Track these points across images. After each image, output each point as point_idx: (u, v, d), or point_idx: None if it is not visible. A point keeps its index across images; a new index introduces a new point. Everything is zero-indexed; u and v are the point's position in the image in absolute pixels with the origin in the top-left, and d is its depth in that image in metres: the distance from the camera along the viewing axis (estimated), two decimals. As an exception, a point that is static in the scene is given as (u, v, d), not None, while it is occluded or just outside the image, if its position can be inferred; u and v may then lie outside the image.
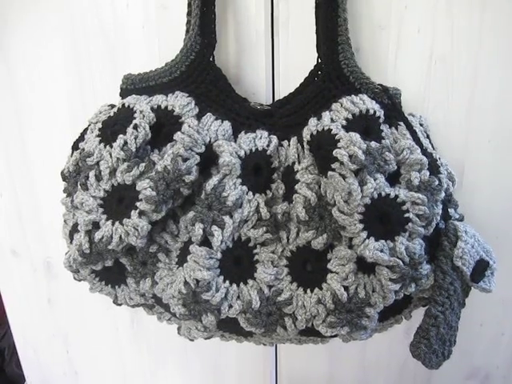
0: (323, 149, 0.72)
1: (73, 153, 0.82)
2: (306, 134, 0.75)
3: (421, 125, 0.82)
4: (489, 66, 0.86)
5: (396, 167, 0.74)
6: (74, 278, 0.84)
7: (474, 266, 0.74)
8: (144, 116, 0.75)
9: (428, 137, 0.82)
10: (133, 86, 0.82)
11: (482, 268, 0.75)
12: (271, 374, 1.21)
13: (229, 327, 0.78)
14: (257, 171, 0.76)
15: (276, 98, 0.91)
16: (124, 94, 0.82)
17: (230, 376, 1.25)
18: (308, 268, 0.75)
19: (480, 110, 0.89)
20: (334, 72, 0.78)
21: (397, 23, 0.85)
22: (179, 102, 0.77)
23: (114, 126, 0.77)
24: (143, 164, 0.75)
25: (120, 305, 0.85)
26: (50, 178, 1.07)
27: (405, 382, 1.19)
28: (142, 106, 0.77)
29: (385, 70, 0.87)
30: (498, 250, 0.78)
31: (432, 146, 0.80)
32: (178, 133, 0.74)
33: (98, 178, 0.77)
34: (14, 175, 1.11)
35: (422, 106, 0.89)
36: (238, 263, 0.75)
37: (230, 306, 0.74)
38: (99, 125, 0.80)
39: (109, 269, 0.80)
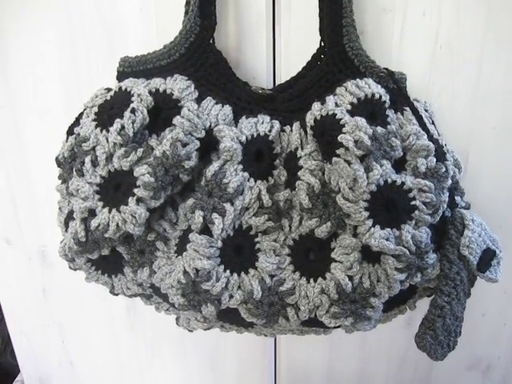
0: (327, 134, 0.70)
1: (68, 138, 0.80)
2: (310, 118, 0.73)
3: (426, 110, 0.80)
4: (495, 52, 0.85)
5: (402, 153, 0.72)
6: (70, 267, 0.83)
7: (480, 256, 0.73)
8: (142, 100, 0.73)
9: (433, 123, 0.80)
10: (130, 68, 0.79)
11: (488, 257, 0.74)
12: (270, 363, 1.21)
13: (229, 318, 0.77)
14: (258, 157, 0.74)
15: (277, 83, 0.89)
16: (121, 77, 0.80)
17: (228, 366, 1.24)
18: (311, 257, 0.74)
19: (485, 96, 0.88)
20: (338, 55, 0.76)
21: (402, 6, 0.83)
22: (178, 85, 0.75)
23: (110, 109, 0.75)
24: (141, 149, 0.72)
25: (117, 295, 0.83)
26: (44, 164, 1.05)
27: (406, 373, 1.18)
28: (140, 89, 0.74)
29: (389, 54, 0.86)
30: (501, 239, 0.77)
31: (437, 133, 0.79)
32: (178, 117, 0.71)
33: (94, 163, 0.75)
34: (8, 162, 1.10)
35: (427, 91, 0.88)
36: (239, 252, 0.73)
37: (231, 296, 0.72)
38: (95, 109, 0.77)
39: (105, 258, 0.78)
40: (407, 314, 0.86)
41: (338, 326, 0.74)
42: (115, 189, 0.73)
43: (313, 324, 0.75)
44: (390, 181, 0.69)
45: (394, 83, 0.76)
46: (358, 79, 0.74)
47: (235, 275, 0.73)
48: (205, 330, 0.84)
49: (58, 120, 1.00)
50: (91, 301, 1.21)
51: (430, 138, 0.74)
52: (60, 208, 0.81)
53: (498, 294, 1.07)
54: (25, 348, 1.35)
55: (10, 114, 1.04)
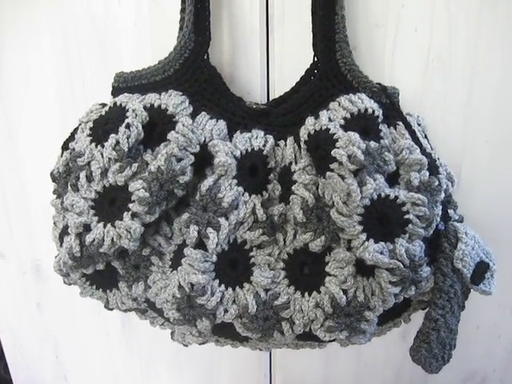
0: (321, 148, 0.71)
1: (63, 153, 0.80)
2: (304, 133, 0.73)
3: (418, 125, 0.81)
4: (486, 66, 0.86)
5: (395, 168, 0.73)
6: (64, 282, 0.82)
7: (474, 268, 0.73)
8: (136, 115, 0.73)
9: (426, 137, 0.81)
10: (125, 84, 0.80)
11: (482, 270, 0.74)
12: (266, 378, 1.20)
13: (224, 332, 0.77)
14: (253, 172, 0.74)
15: (271, 98, 0.90)
16: (116, 92, 0.80)
17: (224, 381, 1.23)
18: (306, 271, 0.74)
19: (477, 109, 0.89)
20: (332, 70, 0.77)
21: (394, 22, 0.84)
22: (173, 100, 0.75)
23: (105, 125, 0.75)
24: (136, 164, 0.73)
25: (112, 309, 0.82)
26: (39, 178, 1.05)
27: (401, 386, 1.18)
28: (135, 104, 0.75)
29: (382, 69, 0.86)
30: (494, 252, 0.77)
31: (430, 147, 0.79)
32: (172, 132, 0.72)
33: (89, 178, 0.75)
34: (3, 176, 1.10)
35: (420, 105, 0.88)
36: (233, 266, 0.73)
37: (226, 311, 0.72)
38: (90, 124, 0.78)
39: (100, 272, 0.78)
40: (402, 327, 0.86)
41: (333, 340, 0.74)
42: (110, 204, 0.73)
43: (308, 338, 0.75)
44: (383, 195, 0.70)
45: (387, 98, 0.77)
46: (351, 94, 0.74)
47: (230, 289, 0.73)
48: (200, 344, 0.84)
49: (52, 135, 1.00)
50: (86, 315, 1.20)
51: (423, 152, 0.74)
52: (55, 223, 0.81)
53: (492, 307, 1.06)
54: (18, 362, 1.35)
55: (4, 128, 1.04)
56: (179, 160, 0.71)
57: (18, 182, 1.09)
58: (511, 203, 0.96)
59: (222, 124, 0.76)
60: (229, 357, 1.18)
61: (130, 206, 0.71)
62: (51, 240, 0.82)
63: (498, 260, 0.76)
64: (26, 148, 1.05)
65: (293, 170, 0.74)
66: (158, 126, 0.75)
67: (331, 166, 0.69)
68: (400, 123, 0.76)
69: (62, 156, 0.80)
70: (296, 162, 0.75)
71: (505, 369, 1.15)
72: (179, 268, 0.71)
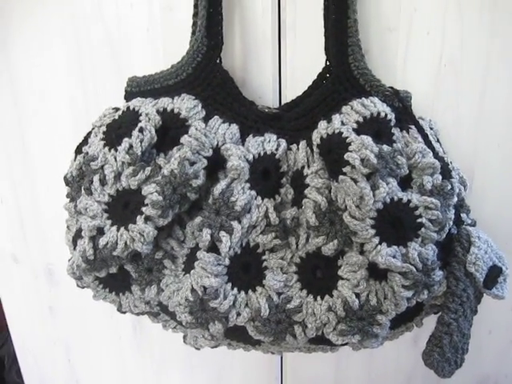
0: (334, 152, 0.71)
1: (76, 157, 0.81)
2: (316, 137, 0.73)
3: (431, 128, 0.81)
4: (498, 70, 0.85)
5: (408, 171, 0.73)
6: (77, 285, 0.83)
7: (486, 273, 0.73)
8: (150, 119, 0.74)
9: (438, 141, 0.81)
10: (138, 88, 0.80)
11: (494, 274, 0.74)
12: (277, 381, 1.20)
13: (237, 336, 0.77)
14: (265, 175, 0.74)
15: (283, 102, 0.90)
16: (129, 96, 0.81)
17: (235, 384, 1.23)
18: (318, 275, 0.74)
19: (489, 114, 0.88)
20: (344, 74, 0.77)
21: (406, 25, 0.84)
22: (186, 104, 0.75)
23: (118, 129, 0.76)
24: (149, 168, 0.73)
25: (124, 313, 0.83)
26: (51, 183, 1.06)
27: (413, 391, 1.17)
28: (148, 108, 0.75)
29: (394, 73, 0.86)
30: (507, 257, 0.77)
31: (443, 150, 0.79)
32: (185, 136, 0.72)
33: (103, 182, 0.75)
34: (16, 181, 1.11)
35: (432, 109, 0.88)
36: (246, 270, 0.73)
37: (238, 314, 0.72)
38: (103, 128, 0.78)
39: (113, 276, 0.78)
40: (414, 331, 0.85)
41: (345, 344, 0.74)
42: (123, 207, 0.74)
43: (320, 341, 0.75)
44: (396, 198, 0.70)
45: (400, 102, 0.77)
46: (363, 98, 0.74)
47: (242, 293, 0.73)
48: (212, 347, 0.84)
49: (65, 139, 1.01)
50: (98, 319, 1.21)
51: (436, 155, 0.74)
52: (68, 226, 0.81)
53: (504, 312, 1.06)
54: (31, 366, 1.36)
55: (18, 133, 1.05)
56: (192, 164, 0.71)
57: (31, 186, 1.10)
58: (524, 207, 0.96)
59: (234, 128, 0.76)
60: (240, 360, 1.18)
61: (144, 209, 0.71)
62: (64, 244, 0.82)
63: (510, 264, 0.76)
64: (38, 152, 1.06)
65: (305, 174, 0.74)
66: (171, 129, 0.75)
67: (344, 170, 0.69)
68: (412, 127, 0.76)
69: (75, 160, 0.81)
70: (308, 166, 0.75)
71: (517, 374, 1.15)
72: (192, 271, 0.72)
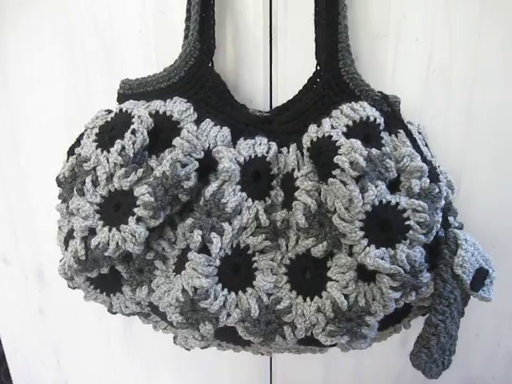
0: (324, 155, 0.72)
1: (68, 158, 0.81)
2: (306, 140, 0.74)
3: (419, 133, 0.82)
4: (486, 75, 0.87)
5: (396, 175, 0.74)
6: (69, 286, 0.83)
7: (473, 275, 0.74)
8: (142, 121, 0.75)
9: (426, 145, 0.82)
10: (130, 91, 0.81)
11: (481, 276, 0.75)
12: (266, 383, 1.20)
13: (227, 336, 0.78)
14: (256, 178, 0.75)
15: (274, 106, 0.91)
16: (121, 99, 0.82)
17: (225, 386, 1.23)
18: (307, 276, 0.75)
19: (477, 118, 0.90)
20: (334, 79, 0.78)
21: (395, 32, 0.85)
22: (178, 107, 0.76)
23: (111, 130, 0.76)
24: (141, 170, 0.74)
25: (115, 313, 0.83)
26: (42, 184, 1.07)
27: (401, 393, 1.18)
28: (140, 111, 0.76)
29: (383, 78, 0.87)
30: (494, 259, 0.78)
31: (431, 154, 0.80)
32: (177, 138, 0.73)
33: (95, 183, 0.76)
34: (7, 182, 1.10)
35: (420, 113, 0.89)
36: (236, 271, 0.74)
37: (229, 315, 0.73)
38: (96, 130, 0.79)
39: (104, 276, 0.78)
40: (402, 334, 0.86)
41: (334, 345, 0.75)
42: (115, 208, 0.74)
43: (309, 342, 0.76)
44: (384, 201, 0.71)
45: (389, 106, 0.78)
46: (353, 102, 0.76)
47: (233, 294, 0.73)
48: (202, 348, 0.85)
49: (57, 141, 1.01)
50: (88, 321, 1.21)
51: (424, 159, 0.75)
52: (60, 227, 0.82)
53: (491, 315, 1.07)
54: (20, 367, 1.35)
55: (9, 135, 1.05)
56: (184, 165, 0.72)
57: (22, 187, 1.10)
58: (510, 210, 0.97)
59: (226, 131, 0.77)
60: (230, 362, 1.18)
61: (135, 210, 0.72)
62: (54, 246, 0.83)
63: (498, 267, 0.77)
64: (30, 154, 1.06)
65: (295, 177, 0.75)
66: (163, 132, 0.76)
67: (333, 173, 0.70)
68: (401, 131, 0.77)
69: (67, 161, 0.81)
70: (299, 169, 0.75)
71: (504, 377, 1.15)
72: (183, 272, 0.72)
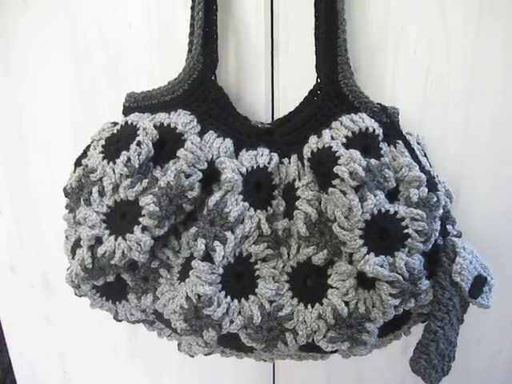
0: (324, 165, 0.73)
1: (75, 169, 0.83)
2: (307, 151, 0.76)
3: (418, 143, 0.83)
4: (484, 86, 0.88)
5: (395, 184, 0.75)
6: (75, 294, 0.84)
7: (472, 282, 0.74)
8: (147, 133, 0.76)
9: (425, 155, 0.83)
10: (136, 104, 0.83)
11: (480, 284, 0.75)
12: (269, 390, 1.21)
13: (229, 343, 0.79)
14: (258, 188, 0.77)
15: (275, 117, 0.92)
16: (127, 111, 0.83)
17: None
18: (309, 283, 0.76)
19: (475, 129, 0.91)
20: (334, 91, 0.80)
21: (394, 44, 0.86)
22: (182, 119, 0.78)
23: (117, 142, 0.78)
24: (146, 180, 0.75)
25: (120, 321, 0.84)
26: (49, 195, 1.08)
27: (402, 400, 1.19)
28: (145, 123, 0.77)
29: (382, 90, 0.89)
30: (493, 267, 0.78)
31: (429, 164, 0.82)
32: (181, 149, 0.74)
33: (102, 193, 0.77)
34: (14, 192, 1.12)
35: (419, 124, 0.90)
36: (239, 279, 0.76)
37: (232, 322, 0.74)
38: (102, 142, 0.81)
39: (110, 284, 0.80)
40: (403, 341, 0.87)
41: (335, 351, 0.76)
42: (121, 218, 0.76)
43: (310, 349, 0.77)
44: (383, 210, 0.72)
45: (387, 117, 0.79)
46: (352, 114, 0.77)
47: (236, 301, 0.75)
48: (205, 355, 0.86)
49: (64, 152, 1.03)
50: (93, 329, 1.22)
51: (422, 169, 0.76)
52: (67, 236, 0.83)
53: (492, 322, 1.08)
54: (26, 376, 1.35)
55: (18, 146, 1.07)
56: (188, 176, 0.73)
57: (29, 198, 1.12)
58: (508, 219, 0.98)
59: (228, 142, 0.78)
60: (233, 368, 1.19)
61: (141, 219, 0.73)
62: (61, 254, 0.84)
63: (497, 275, 0.78)
64: (38, 165, 1.08)
65: (296, 187, 0.76)
66: (168, 143, 0.77)
67: (333, 183, 0.72)
68: (400, 142, 0.79)
69: (74, 172, 0.83)
70: (299, 179, 0.77)
71: (505, 384, 1.16)
72: (187, 280, 0.74)
